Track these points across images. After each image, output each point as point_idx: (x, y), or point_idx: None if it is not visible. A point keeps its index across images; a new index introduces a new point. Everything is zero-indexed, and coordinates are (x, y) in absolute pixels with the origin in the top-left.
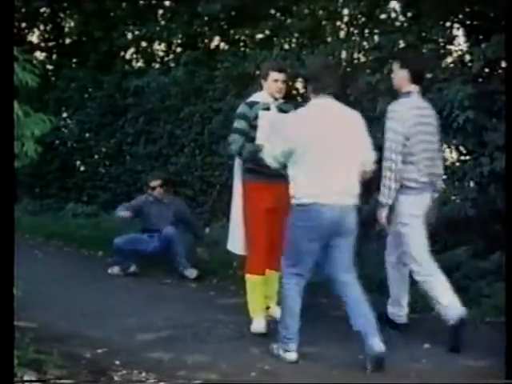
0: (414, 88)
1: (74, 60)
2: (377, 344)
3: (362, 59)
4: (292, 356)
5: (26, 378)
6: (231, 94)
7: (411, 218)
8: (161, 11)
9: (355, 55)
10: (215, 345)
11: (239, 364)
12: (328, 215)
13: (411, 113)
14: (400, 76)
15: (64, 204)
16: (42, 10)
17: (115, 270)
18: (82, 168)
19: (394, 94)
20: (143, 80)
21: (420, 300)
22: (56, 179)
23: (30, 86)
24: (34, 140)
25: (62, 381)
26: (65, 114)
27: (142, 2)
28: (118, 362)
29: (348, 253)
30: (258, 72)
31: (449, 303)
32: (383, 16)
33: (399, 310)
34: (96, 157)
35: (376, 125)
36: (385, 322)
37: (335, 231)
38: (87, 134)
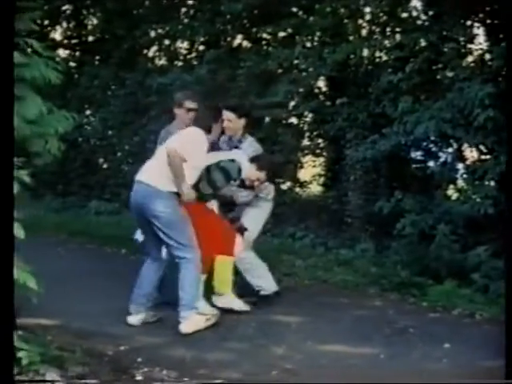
0: None
1: (97, 57)
2: None
3: (384, 58)
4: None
5: (48, 375)
6: (253, 92)
7: None
8: (183, 9)
9: (377, 54)
10: (236, 343)
11: (260, 363)
12: None
13: None
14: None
15: (86, 202)
16: (65, 7)
17: None
18: (105, 166)
19: (416, 94)
20: (166, 78)
21: (442, 299)
22: (79, 177)
23: (53, 83)
24: (57, 137)
25: (83, 380)
26: (88, 112)
27: (164, 0)
28: (139, 360)
29: None
30: (280, 70)
31: None
32: (404, 15)
33: None
34: (119, 154)
35: (397, 123)
36: None
37: None
38: (110, 132)
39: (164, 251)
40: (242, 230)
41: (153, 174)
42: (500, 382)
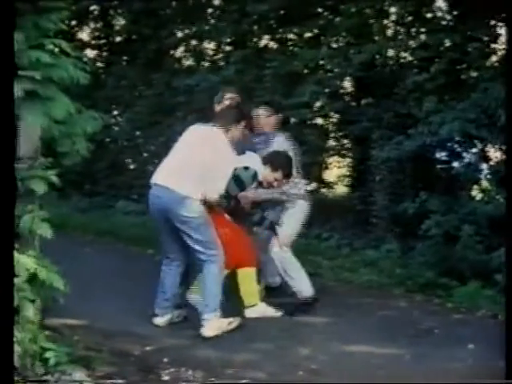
0: None
1: (124, 58)
2: None
3: (409, 58)
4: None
5: (75, 375)
6: (279, 92)
7: None
8: (210, 10)
9: (402, 54)
10: (262, 344)
11: (286, 363)
12: None
13: None
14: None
15: (113, 202)
16: (93, 8)
17: None
18: (132, 166)
19: (441, 94)
20: (194, 78)
21: (466, 300)
22: (106, 177)
23: (80, 84)
24: (85, 138)
25: (110, 381)
26: (115, 112)
27: (191, 0)
28: (166, 360)
29: None
30: (306, 71)
31: None
32: (429, 15)
33: None
34: (145, 155)
35: (422, 124)
36: None
37: None
38: (137, 132)
39: (185, 253)
40: (273, 227)
41: (176, 178)
42: (500, 381)
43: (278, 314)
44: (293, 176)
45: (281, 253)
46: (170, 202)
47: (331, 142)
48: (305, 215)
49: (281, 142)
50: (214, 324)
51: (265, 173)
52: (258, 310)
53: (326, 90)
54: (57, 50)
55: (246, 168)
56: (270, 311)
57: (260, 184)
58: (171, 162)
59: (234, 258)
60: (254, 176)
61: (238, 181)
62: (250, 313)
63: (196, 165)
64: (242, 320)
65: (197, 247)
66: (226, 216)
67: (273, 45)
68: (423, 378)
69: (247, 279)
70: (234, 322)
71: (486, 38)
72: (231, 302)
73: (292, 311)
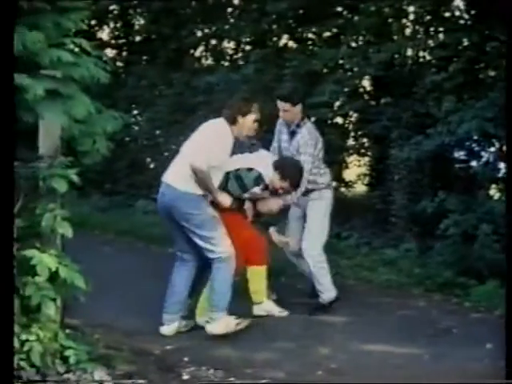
0: None
1: (144, 57)
2: None
3: (427, 57)
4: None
5: (96, 373)
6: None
7: None
8: (229, 9)
9: (420, 53)
10: (282, 343)
11: (306, 362)
12: None
13: None
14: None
15: (133, 201)
16: (112, 7)
17: None
18: (152, 165)
19: (460, 94)
20: (214, 77)
21: (484, 299)
22: (126, 176)
23: (101, 83)
24: (105, 137)
25: (131, 380)
26: (135, 112)
27: (211, 0)
28: (186, 359)
29: None
30: (325, 70)
31: None
32: (447, 14)
33: None
34: (166, 154)
35: (441, 123)
36: None
37: None
38: (157, 132)
39: (198, 255)
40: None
41: (179, 176)
42: (500, 381)
43: (284, 313)
44: (317, 167)
45: (317, 257)
46: (172, 199)
47: (351, 141)
48: (331, 206)
49: (307, 131)
50: (222, 322)
51: (272, 178)
52: (265, 307)
53: (346, 90)
54: (77, 49)
55: (250, 169)
56: (276, 310)
57: (266, 187)
58: (176, 159)
59: (244, 255)
60: (257, 179)
61: (239, 182)
62: (255, 309)
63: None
64: (252, 321)
65: (203, 244)
66: (238, 214)
67: (292, 44)
68: (442, 378)
69: (257, 277)
70: (242, 322)
71: (503, 37)
72: (243, 298)
73: (312, 311)
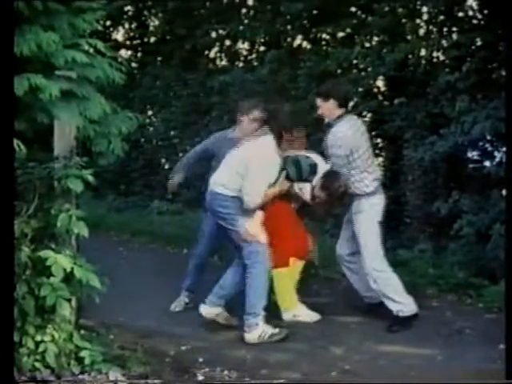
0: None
1: (159, 58)
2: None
3: (441, 57)
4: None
5: (110, 374)
6: (313, 92)
7: None
8: (244, 10)
9: (434, 53)
10: (296, 344)
11: (320, 363)
12: None
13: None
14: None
15: (149, 201)
16: (127, 8)
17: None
18: (167, 166)
19: (473, 93)
20: (229, 76)
21: (497, 300)
22: (141, 177)
23: (116, 83)
24: (121, 137)
25: (145, 380)
26: (150, 112)
27: (225, 0)
28: (201, 360)
29: None
30: (339, 70)
31: None
32: (461, 14)
33: None
34: (181, 155)
35: (455, 123)
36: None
37: None
38: (172, 132)
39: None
40: None
41: (219, 182)
42: (500, 382)
43: (316, 317)
44: (357, 173)
45: (376, 273)
46: (209, 201)
47: None
48: (380, 212)
49: (345, 122)
50: (257, 332)
51: (316, 183)
52: (294, 313)
53: (360, 90)
54: (92, 50)
55: (308, 157)
56: (309, 316)
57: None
58: (222, 166)
59: (287, 247)
60: (313, 167)
61: (297, 166)
62: (284, 315)
63: (233, 161)
64: (287, 332)
65: (239, 243)
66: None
67: (306, 44)
68: (455, 378)
69: (279, 282)
70: (277, 334)
71: None
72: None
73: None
